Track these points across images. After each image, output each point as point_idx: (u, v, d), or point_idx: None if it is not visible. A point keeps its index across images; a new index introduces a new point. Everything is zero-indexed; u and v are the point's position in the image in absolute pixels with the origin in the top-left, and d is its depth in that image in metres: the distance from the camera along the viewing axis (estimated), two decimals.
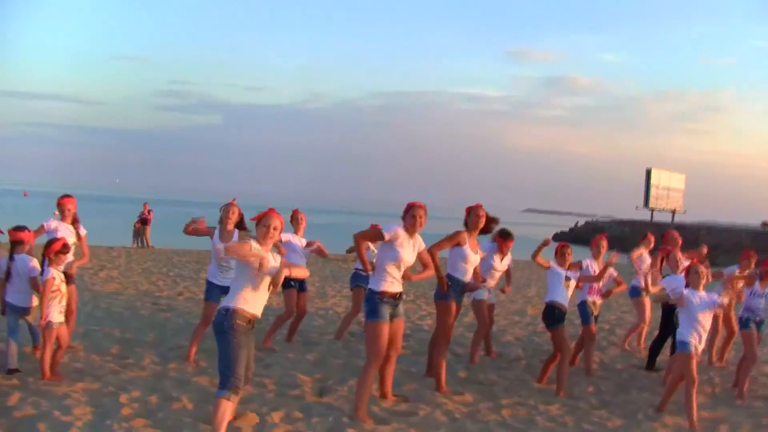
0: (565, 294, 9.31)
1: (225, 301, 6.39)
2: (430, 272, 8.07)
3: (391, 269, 7.57)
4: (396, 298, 7.63)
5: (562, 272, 9.36)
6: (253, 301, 6.29)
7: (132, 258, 23.43)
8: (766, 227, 60.02)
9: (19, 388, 7.62)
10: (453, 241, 8.79)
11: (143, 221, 31.09)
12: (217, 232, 9.24)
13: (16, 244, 8.41)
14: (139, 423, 6.79)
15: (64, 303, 8.31)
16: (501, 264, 10.56)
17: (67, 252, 8.43)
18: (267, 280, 6.30)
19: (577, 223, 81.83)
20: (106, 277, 17.76)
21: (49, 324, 8.03)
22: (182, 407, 7.36)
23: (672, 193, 70.06)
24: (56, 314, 8.12)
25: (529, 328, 14.20)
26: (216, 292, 9.26)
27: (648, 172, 68.28)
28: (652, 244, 12.24)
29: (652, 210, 69.05)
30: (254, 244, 6.23)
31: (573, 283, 9.51)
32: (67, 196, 9.49)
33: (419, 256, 7.80)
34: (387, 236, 7.53)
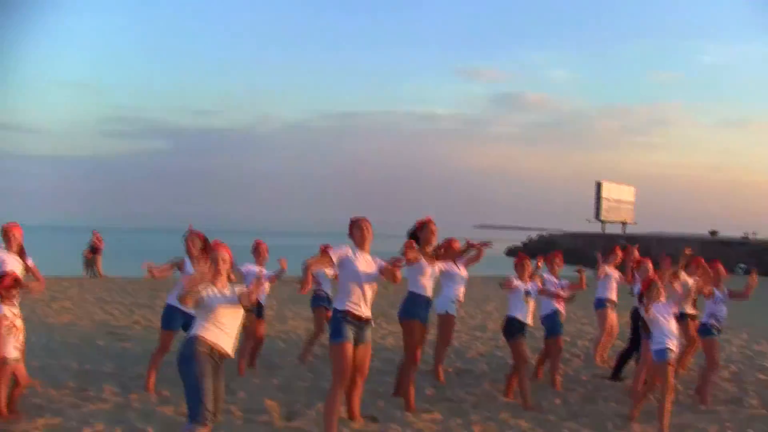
0: (525, 308, 9.29)
1: (189, 331, 6.26)
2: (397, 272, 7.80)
3: (354, 288, 7.46)
4: (361, 321, 7.48)
5: (522, 287, 9.34)
6: (216, 332, 6.15)
7: (84, 288, 23.04)
8: (714, 236, 60.86)
9: None
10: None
11: (93, 250, 30.52)
12: (187, 261, 9.05)
13: None
14: None
15: (21, 338, 8.02)
16: (465, 273, 10.51)
17: (19, 287, 8.10)
18: (231, 311, 6.19)
19: (530, 237, 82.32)
20: (59, 308, 17.41)
21: (4, 360, 7.75)
22: None
23: (622, 206, 70.72)
24: (12, 350, 7.83)
25: (491, 342, 14.17)
26: (177, 318, 9.08)
27: (598, 186, 68.91)
28: (618, 258, 12.25)
29: (603, 222, 69.68)
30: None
31: (532, 299, 9.48)
32: (14, 223, 9.16)
33: (383, 271, 7.69)
34: (335, 256, 7.46)
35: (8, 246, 8.90)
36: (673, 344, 8.20)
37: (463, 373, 11.05)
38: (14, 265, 8.72)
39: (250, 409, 8.39)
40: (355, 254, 7.55)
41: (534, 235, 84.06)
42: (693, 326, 10.80)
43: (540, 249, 66.72)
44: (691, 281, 10.36)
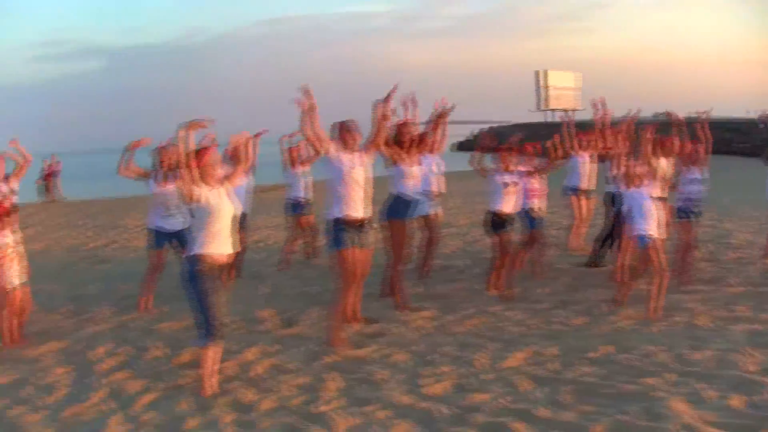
0: (507, 201, 9.42)
1: (188, 249, 6.32)
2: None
3: (344, 192, 7.51)
4: (358, 224, 7.57)
5: (500, 178, 9.44)
6: (214, 243, 6.21)
7: (50, 212, 22.84)
8: (659, 116, 61.60)
9: None
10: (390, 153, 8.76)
11: (50, 175, 30.07)
12: (152, 178, 9.03)
13: None
14: (121, 376, 6.74)
15: (25, 263, 8.03)
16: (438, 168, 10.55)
17: (15, 213, 8.11)
18: (224, 211, 6.22)
19: (478, 130, 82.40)
20: (27, 236, 17.17)
21: (6, 288, 7.76)
22: (157, 355, 7.33)
23: (566, 92, 71.06)
24: (15, 276, 7.85)
25: (466, 238, 14.41)
26: (162, 238, 9.12)
27: (537, 75, 69.03)
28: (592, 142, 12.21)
29: (547, 111, 70.02)
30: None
31: (514, 188, 9.55)
32: None
33: (373, 137, 7.83)
34: (331, 147, 7.53)
35: None
36: (653, 229, 8.43)
37: (443, 270, 11.23)
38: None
39: (247, 319, 8.55)
40: (340, 154, 7.56)
41: (481, 128, 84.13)
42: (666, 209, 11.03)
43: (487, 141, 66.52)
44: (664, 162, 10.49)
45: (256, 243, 14.51)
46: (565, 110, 70.55)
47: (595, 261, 11.15)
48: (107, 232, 17.26)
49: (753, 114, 55.25)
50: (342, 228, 7.50)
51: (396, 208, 8.88)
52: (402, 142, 9.02)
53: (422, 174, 9.48)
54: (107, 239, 16.04)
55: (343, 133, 7.68)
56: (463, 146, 73.75)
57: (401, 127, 9.28)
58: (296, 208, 11.81)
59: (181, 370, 6.86)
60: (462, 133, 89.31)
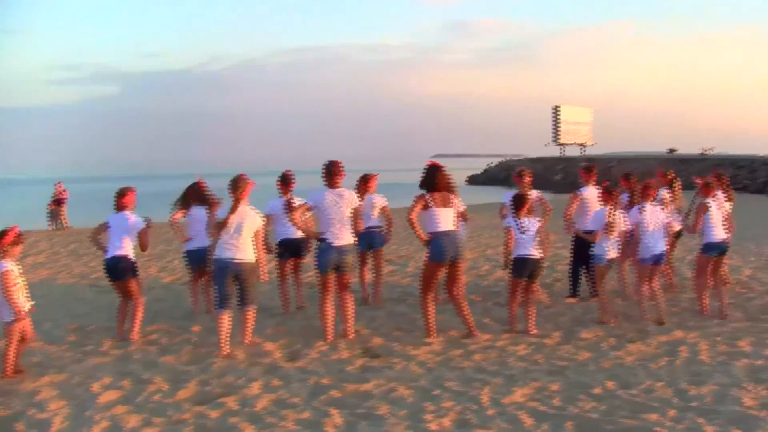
0: (524, 243, 9.30)
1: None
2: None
3: (326, 222, 8.89)
4: (340, 249, 8.88)
5: (513, 223, 9.39)
6: None
7: (54, 241, 22.83)
8: (672, 153, 61.65)
9: None
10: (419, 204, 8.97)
11: (57, 202, 30.20)
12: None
13: None
14: (121, 410, 6.67)
15: (27, 293, 8.04)
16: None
17: (22, 242, 8.13)
18: None
19: (489, 164, 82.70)
20: (33, 263, 17.26)
21: (16, 317, 7.76)
22: (158, 389, 7.27)
23: (580, 128, 71.27)
24: (25, 303, 7.89)
25: (472, 272, 14.35)
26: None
27: (555, 109, 69.35)
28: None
29: (562, 145, 70.20)
30: None
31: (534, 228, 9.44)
32: None
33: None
34: (312, 204, 9.00)
35: None
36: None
37: (448, 303, 11.14)
38: None
39: (250, 353, 8.50)
40: (326, 198, 8.93)
41: (493, 162, 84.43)
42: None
43: (501, 175, 67.15)
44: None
45: None
46: (582, 145, 70.87)
47: (574, 292, 11.35)
48: None
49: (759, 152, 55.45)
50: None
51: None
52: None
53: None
54: None
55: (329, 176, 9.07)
56: (473, 180, 73.99)
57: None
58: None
59: (182, 404, 6.81)
60: (475, 166, 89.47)
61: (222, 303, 8.67)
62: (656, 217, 9.88)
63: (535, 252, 9.29)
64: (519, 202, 9.42)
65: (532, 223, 9.36)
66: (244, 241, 8.61)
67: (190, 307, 10.89)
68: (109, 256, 9.41)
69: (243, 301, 8.78)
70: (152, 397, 7.03)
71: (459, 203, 9.15)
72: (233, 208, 8.59)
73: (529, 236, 9.29)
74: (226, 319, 8.59)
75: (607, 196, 9.80)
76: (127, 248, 9.38)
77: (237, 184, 8.67)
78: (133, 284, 9.44)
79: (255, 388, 7.21)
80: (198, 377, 7.61)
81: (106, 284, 13.79)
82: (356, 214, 9.05)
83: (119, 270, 9.38)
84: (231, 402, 6.81)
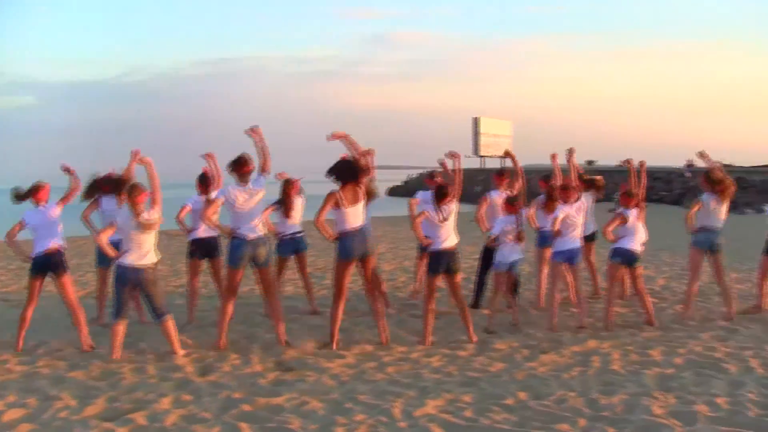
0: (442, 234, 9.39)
1: None
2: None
3: (236, 217, 9.00)
4: (254, 242, 8.98)
5: (432, 209, 9.47)
6: None
7: None
8: (591, 165, 62.70)
9: None
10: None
11: None
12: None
13: None
14: (25, 428, 6.49)
15: None
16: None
17: None
18: None
19: (410, 175, 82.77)
20: None
21: None
22: (65, 405, 7.09)
23: (500, 140, 72.00)
24: None
25: (389, 284, 14.35)
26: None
27: (475, 121, 70.00)
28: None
29: (482, 157, 70.82)
30: None
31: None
32: None
33: None
34: (220, 201, 9.02)
35: None
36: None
37: (365, 315, 11.12)
38: None
39: (162, 367, 8.37)
40: (232, 193, 9.10)
41: (414, 173, 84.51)
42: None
43: (420, 187, 66.94)
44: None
45: (179, 288, 14.24)
46: (502, 156, 71.64)
47: (475, 303, 11.47)
48: (25, 276, 16.76)
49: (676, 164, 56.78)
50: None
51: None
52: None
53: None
54: (23, 283, 15.59)
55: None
56: (394, 192, 74.09)
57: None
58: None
59: (90, 421, 6.66)
60: (396, 178, 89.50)
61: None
62: (572, 218, 10.04)
63: (450, 243, 9.38)
64: (440, 193, 9.44)
65: (450, 210, 9.42)
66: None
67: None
68: (38, 252, 9.29)
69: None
70: (59, 414, 6.85)
71: (368, 185, 9.57)
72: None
73: (449, 226, 9.36)
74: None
75: (510, 207, 9.96)
76: (58, 240, 9.33)
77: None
78: (66, 279, 9.36)
79: (165, 403, 7.10)
80: (107, 393, 7.44)
81: (14, 298, 13.52)
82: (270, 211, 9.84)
83: (51, 264, 9.28)
84: (140, 418, 6.69)
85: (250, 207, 9.02)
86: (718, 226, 10.46)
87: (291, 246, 11.15)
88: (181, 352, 8.86)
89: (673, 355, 8.65)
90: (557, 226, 9.92)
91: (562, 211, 10.00)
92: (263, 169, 9.05)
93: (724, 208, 10.48)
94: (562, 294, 10.89)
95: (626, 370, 8.07)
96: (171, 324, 8.85)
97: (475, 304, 11.37)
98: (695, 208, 10.43)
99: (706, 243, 10.43)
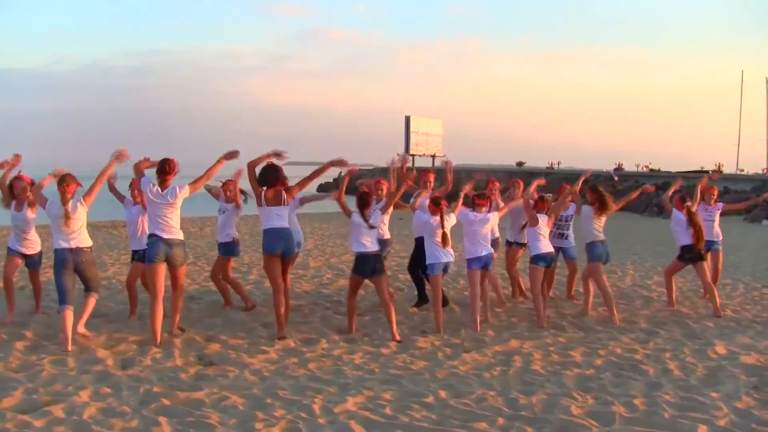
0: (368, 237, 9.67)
1: None
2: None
3: (154, 218, 9.02)
4: (168, 241, 8.99)
5: (360, 220, 9.66)
6: None
7: None
8: (521, 166, 63.40)
9: None
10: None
11: None
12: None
13: None
14: None
15: None
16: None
17: None
18: None
19: (341, 173, 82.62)
20: None
21: None
22: None
23: (431, 139, 72.24)
24: None
25: (315, 280, 14.39)
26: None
27: (407, 120, 70.07)
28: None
29: (413, 156, 71.00)
30: None
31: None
32: None
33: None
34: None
35: None
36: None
37: (291, 311, 11.10)
38: None
39: (82, 360, 8.25)
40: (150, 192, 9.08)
41: (344, 171, 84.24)
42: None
43: (351, 184, 66.87)
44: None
45: (102, 280, 13.99)
46: (433, 155, 71.86)
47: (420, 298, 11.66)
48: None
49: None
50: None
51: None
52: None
53: None
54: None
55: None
56: (325, 188, 73.95)
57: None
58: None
59: (6, 413, 6.52)
60: (327, 175, 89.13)
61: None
62: (482, 224, 10.16)
63: (374, 247, 9.64)
64: (363, 201, 9.75)
65: (377, 217, 9.73)
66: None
67: (24, 310, 10.53)
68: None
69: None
70: None
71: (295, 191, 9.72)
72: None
73: (374, 233, 9.66)
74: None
75: (434, 207, 9.98)
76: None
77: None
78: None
79: (84, 396, 7.01)
80: (25, 385, 7.31)
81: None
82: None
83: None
84: (57, 410, 6.59)
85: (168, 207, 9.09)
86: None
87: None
88: (83, 330, 9.22)
89: (593, 356, 8.85)
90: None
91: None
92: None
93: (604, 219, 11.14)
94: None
95: (547, 371, 8.22)
96: (93, 301, 9.31)
97: (426, 299, 11.48)
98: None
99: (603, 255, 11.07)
